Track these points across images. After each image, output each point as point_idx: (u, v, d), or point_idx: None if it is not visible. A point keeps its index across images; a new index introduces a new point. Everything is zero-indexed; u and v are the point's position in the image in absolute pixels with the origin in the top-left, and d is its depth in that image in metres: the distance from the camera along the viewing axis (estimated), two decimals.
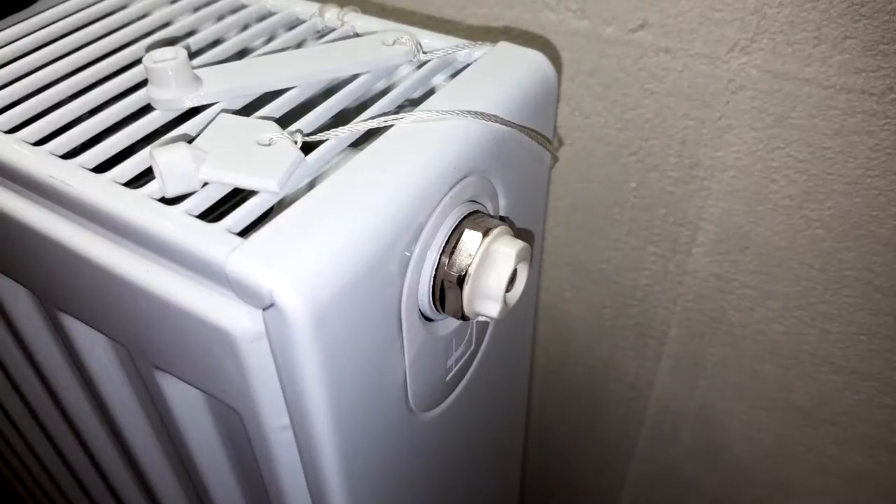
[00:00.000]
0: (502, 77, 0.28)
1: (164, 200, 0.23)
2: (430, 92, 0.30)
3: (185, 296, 0.23)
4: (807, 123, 0.37)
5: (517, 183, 0.30)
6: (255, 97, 0.28)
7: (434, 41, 0.31)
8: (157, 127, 0.27)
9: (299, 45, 0.32)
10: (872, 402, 0.45)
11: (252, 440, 0.26)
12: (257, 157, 0.24)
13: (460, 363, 0.31)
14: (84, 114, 0.28)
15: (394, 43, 0.30)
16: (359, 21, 0.33)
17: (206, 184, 0.24)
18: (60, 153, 0.25)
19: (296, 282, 0.20)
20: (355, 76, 0.29)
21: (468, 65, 0.29)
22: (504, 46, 0.30)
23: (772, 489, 0.54)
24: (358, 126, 0.26)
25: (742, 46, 0.36)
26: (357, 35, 0.32)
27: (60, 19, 0.33)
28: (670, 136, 0.41)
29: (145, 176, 0.25)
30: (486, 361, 0.33)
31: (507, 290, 0.26)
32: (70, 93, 0.29)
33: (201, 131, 0.25)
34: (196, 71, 0.27)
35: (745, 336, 0.47)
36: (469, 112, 0.26)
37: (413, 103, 0.29)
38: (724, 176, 0.41)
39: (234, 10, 0.34)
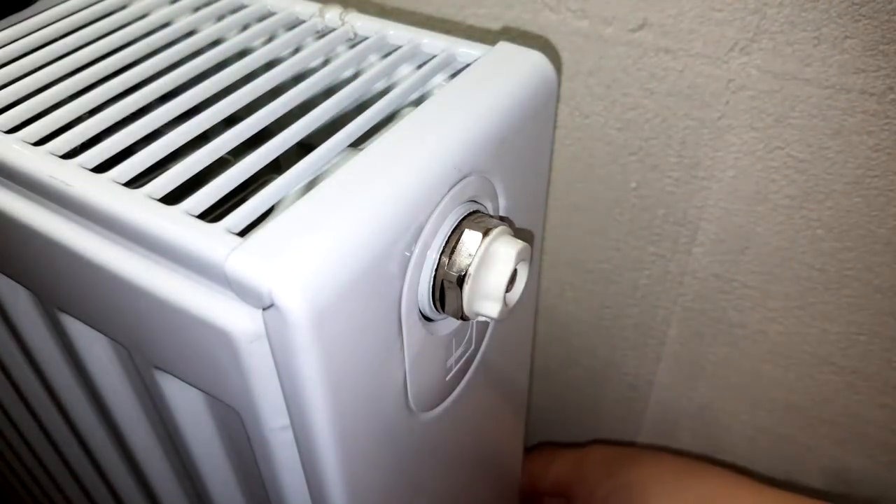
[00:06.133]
0: (502, 77, 0.28)
1: (164, 200, 0.23)
2: (430, 92, 0.30)
3: (184, 296, 0.23)
4: (807, 123, 0.37)
5: (517, 183, 0.30)
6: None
7: (434, 41, 0.31)
8: (157, 126, 0.27)
9: (298, 47, 0.32)
10: (872, 402, 0.45)
11: (252, 440, 0.26)
12: None
13: (460, 363, 0.31)
14: (84, 114, 0.28)
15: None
16: (359, 21, 0.33)
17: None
18: (60, 153, 0.25)
19: (296, 282, 0.20)
20: (356, 75, 0.29)
21: (468, 65, 0.29)
22: (504, 47, 0.30)
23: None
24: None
25: (742, 46, 0.36)
26: (356, 35, 0.32)
27: (60, 19, 0.33)
28: (670, 136, 0.41)
29: (145, 176, 0.25)
30: (486, 361, 0.33)
31: (507, 290, 0.26)
32: (70, 93, 0.29)
33: None
34: None
35: (745, 336, 0.47)
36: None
37: (413, 103, 0.29)
38: (724, 176, 0.41)
39: (234, 10, 0.34)
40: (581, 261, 0.50)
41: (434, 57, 0.31)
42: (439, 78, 0.31)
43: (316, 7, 0.33)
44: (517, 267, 0.26)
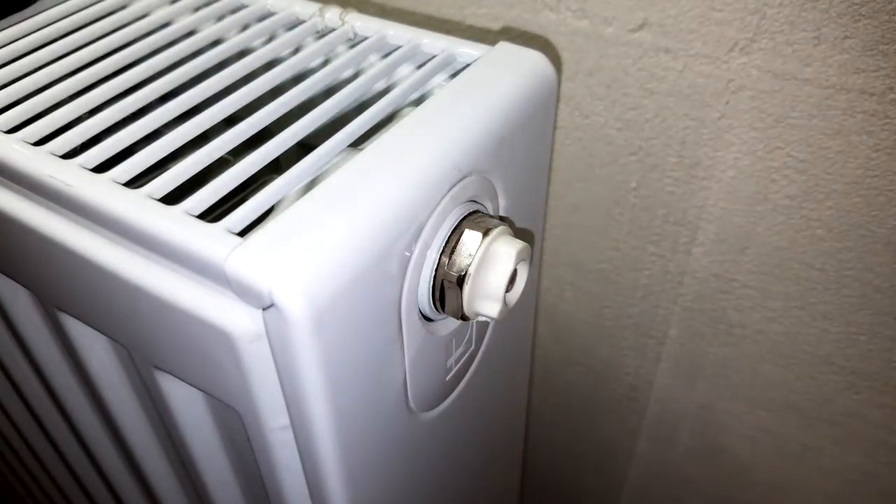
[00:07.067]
0: (502, 77, 0.28)
1: (164, 200, 0.23)
2: (430, 92, 0.30)
3: (184, 296, 0.23)
4: (807, 123, 0.37)
5: (517, 183, 0.30)
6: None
7: (434, 41, 0.31)
8: (157, 127, 0.27)
9: (298, 47, 0.32)
10: (872, 402, 0.45)
11: (252, 440, 0.26)
12: None
13: (460, 363, 0.31)
14: (84, 114, 0.28)
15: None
16: (358, 21, 0.33)
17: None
18: (60, 153, 0.25)
19: (296, 282, 0.20)
20: (356, 75, 0.29)
21: (468, 65, 0.29)
22: (504, 46, 0.30)
23: (772, 489, 0.54)
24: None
25: (742, 46, 0.36)
26: (356, 35, 0.32)
27: (60, 19, 0.33)
28: (670, 136, 0.41)
29: (145, 176, 0.25)
30: (486, 361, 0.33)
31: (507, 290, 0.26)
32: (70, 93, 0.29)
33: None
34: None
35: (745, 336, 0.47)
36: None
37: (413, 103, 0.29)
38: (724, 176, 0.41)
39: (234, 10, 0.34)
40: (581, 261, 0.50)
41: (434, 57, 0.31)
42: (439, 78, 0.31)
43: (316, 7, 0.33)
44: (517, 267, 0.26)
